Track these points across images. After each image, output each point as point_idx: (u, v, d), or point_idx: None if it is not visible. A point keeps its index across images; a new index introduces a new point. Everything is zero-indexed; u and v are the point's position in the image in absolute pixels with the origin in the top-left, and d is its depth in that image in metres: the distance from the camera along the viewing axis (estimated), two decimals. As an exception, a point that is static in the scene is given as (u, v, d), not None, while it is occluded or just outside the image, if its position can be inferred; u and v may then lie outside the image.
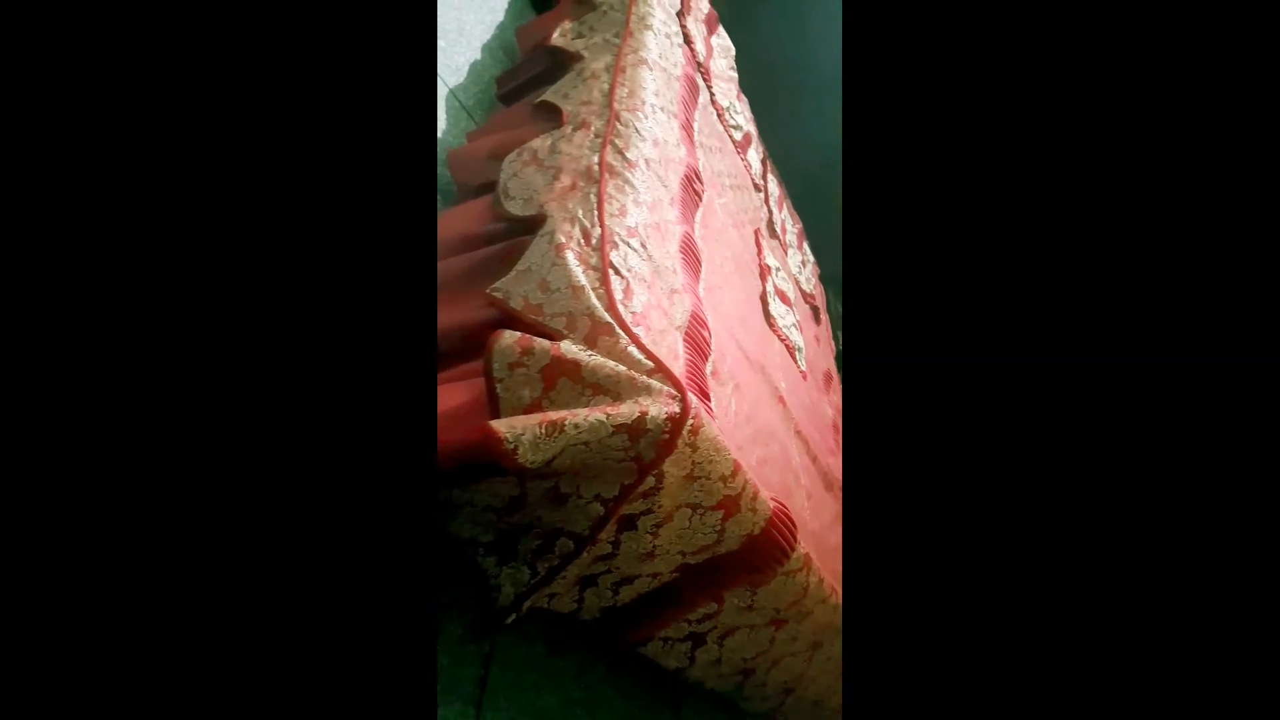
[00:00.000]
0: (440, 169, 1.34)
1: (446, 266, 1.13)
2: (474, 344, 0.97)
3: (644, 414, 0.77)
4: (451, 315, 1.03)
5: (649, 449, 0.78)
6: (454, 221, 1.21)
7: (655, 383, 0.80)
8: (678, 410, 0.78)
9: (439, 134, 1.38)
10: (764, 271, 1.91)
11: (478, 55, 1.58)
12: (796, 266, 2.30)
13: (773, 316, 1.86)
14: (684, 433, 0.78)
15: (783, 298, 1.99)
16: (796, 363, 1.95)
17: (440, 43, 1.46)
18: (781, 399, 1.68)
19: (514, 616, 0.89)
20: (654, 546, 0.90)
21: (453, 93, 1.46)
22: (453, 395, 0.83)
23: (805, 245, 2.52)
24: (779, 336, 1.87)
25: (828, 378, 2.33)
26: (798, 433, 1.73)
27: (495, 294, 0.98)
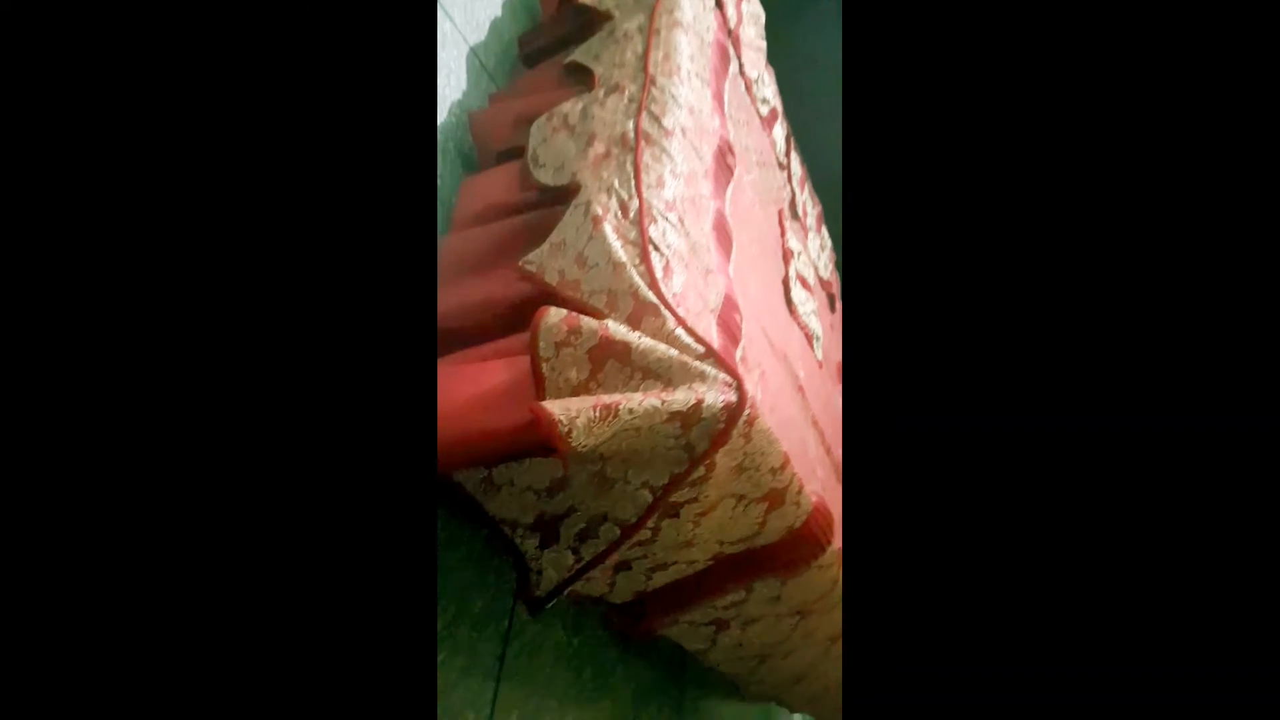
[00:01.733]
0: (461, 132, 1.27)
1: (472, 237, 1.06)
2: (508, 320, 0.91)
3: (699, 402, 0.71)
4: (480, 289, 0.97)
5: (702, 438, 0.73)
6: (479, 189, 1.14)
7: (709, 369, 0.75)
8: (734, 399, 0.73)
9: (459, 95, 1.30)
10: (787, 255, 1.85)
11: (498, 12, 1.50)
12: (816, 251, 2.24)
13: (794, 303, 1.81)
14: (739, 423, 0.73)
15: (803, 283, 1.94)
16: (814, 351, 1.90)
17: (462, -3, 1.37)
18: (801, 388, 1.63)
19: (555, 600, 0.84)
20: (694, 535, 0.85)
21: (474, 51, 1.37)
22: (491, 374, 0.77)
23: (824, 229, 2.46)
24: (799, 324, 1.82)
25: (840, 369, 2.29)
26: (814, 423, 1.68)
27: (528, 267, 0.92)
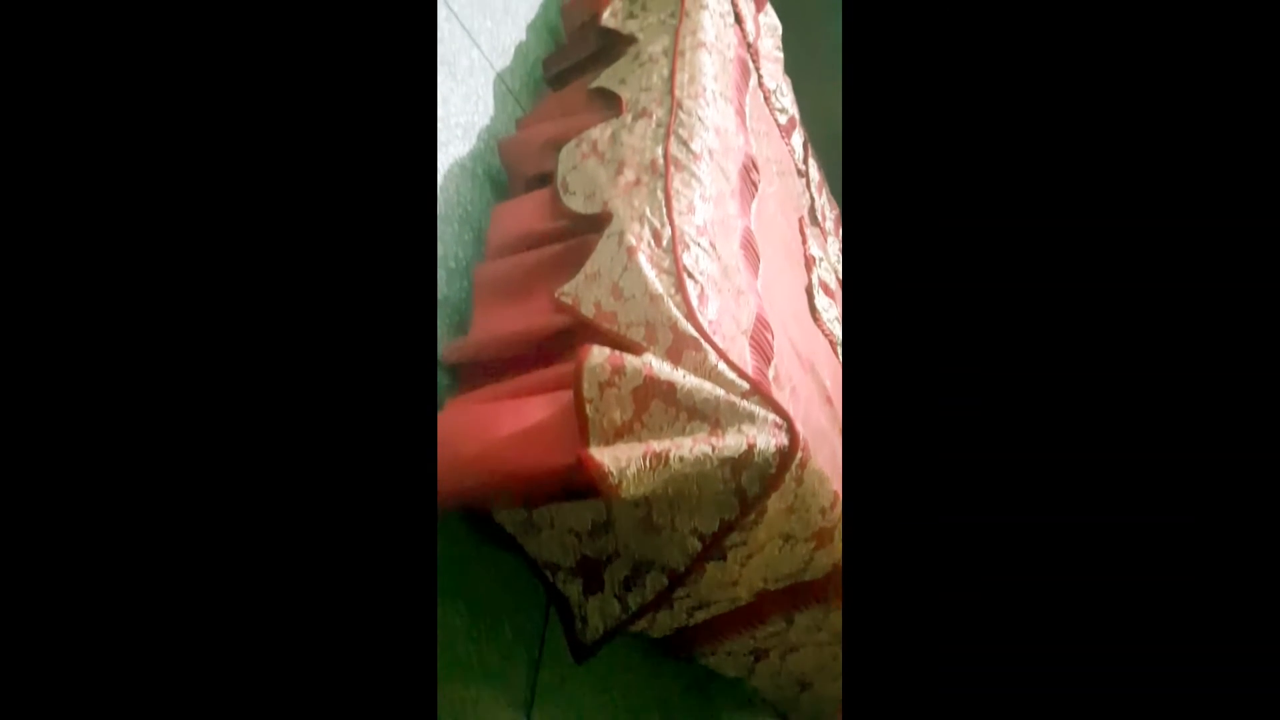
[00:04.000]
0: (490, 157, 1.27)
1: (505, 265, 1.07)
2: (545, 352, 0.92)
3: (751, 447, 0.71)
4: (516, 319, 0.97)
5: (753, 483, 0.73)
6: (511, 216, 1.14)
7: (757, 409, 0.74)
8: (786, 442, 0.73)
9: (486, 121, 1.31)
10: (809, 262, 1.84)
11: (523, 36, 1.49)
12: (835, 255, 2.23)
13: (818, 310, 1.80)
14: (792, 467, 0.73)
15: (826, 290, 1.93)
16: (839, 358, 1.89)
17: (486, 23, 1.37)
18: (829, 399, 1.62)
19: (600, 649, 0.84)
20: (739, 575, 0.85)
21: (500, 77, 1.37)
22: (533, 411, 0.77)
23: (843, 233, 2.44)
24: (823, 331, 1.81)
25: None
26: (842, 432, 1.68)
27: (564, 299, 0.92)
